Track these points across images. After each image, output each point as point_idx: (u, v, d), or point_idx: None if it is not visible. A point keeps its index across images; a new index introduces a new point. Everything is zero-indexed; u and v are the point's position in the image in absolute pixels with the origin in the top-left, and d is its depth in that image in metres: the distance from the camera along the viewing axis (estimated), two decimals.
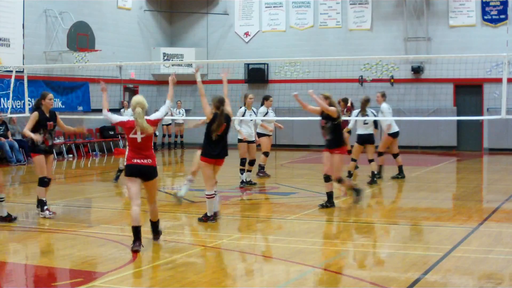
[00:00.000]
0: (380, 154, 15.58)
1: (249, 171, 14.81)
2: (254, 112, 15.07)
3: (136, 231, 8.36)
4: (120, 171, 15.02)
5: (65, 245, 8.84)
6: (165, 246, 8.96)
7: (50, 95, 10.93)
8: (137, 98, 8.79)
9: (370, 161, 15.03)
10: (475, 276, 7.29)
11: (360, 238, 9.31)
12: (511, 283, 7.07)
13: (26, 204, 12.72)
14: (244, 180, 14.49)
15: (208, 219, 10.30)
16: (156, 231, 8.99)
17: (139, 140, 8.53)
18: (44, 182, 10.76)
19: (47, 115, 10.78)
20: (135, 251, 8.22)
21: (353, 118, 15.16)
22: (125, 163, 8.65)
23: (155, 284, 6.94)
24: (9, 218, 10.37)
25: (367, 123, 14.92)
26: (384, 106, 15.63)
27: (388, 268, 7.51)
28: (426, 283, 6.93)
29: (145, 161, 8.52)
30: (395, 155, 15.77)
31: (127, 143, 8.77)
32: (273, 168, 19.05)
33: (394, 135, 15.59)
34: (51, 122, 10.79)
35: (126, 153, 8.65)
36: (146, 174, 8.57)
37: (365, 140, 15.00)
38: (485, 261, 7.86)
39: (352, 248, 8.64)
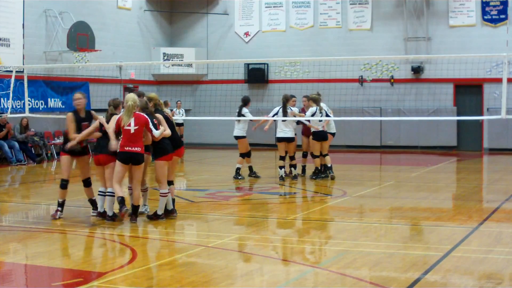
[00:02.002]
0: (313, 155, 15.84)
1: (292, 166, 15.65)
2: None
3: (122, 200, 9.90)
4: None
5: (65, 245, 8.84)
6: (165, 246, 8.97)
7: (76, 95, 10.81)
8: (131, 94, 10.24)
9: (325, 155, 15.52)
10: (475, 276, 7.29)
11: (360, 238, 9.31)
12: (511, 283, 7.07)
13: (26, 204, 12.73)
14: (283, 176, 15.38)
15: (159, 217, 10.41)
16: (136, 214, 10.22)
17: (132, 131, 9.92)
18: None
19: (82, 115, 10.69)
20: (125, 212, 9.88)
21: (311, 118, 15.29)
22: (118, 150, 9.97)
23: (155, 284, 6.94)
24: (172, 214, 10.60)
25: (321, 121, 15.35)
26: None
27: (388, 268, 7.51)
28: (426, 283, 6.93)
29: (135, 148, 9.96)
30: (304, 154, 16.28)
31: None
32: (273, 168, 19.04)
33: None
34: (86, 123, 10.69)
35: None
36: (135, 159, 10.02)
37: (322, 137, 15.46)
38: (485, 261, 7.86)
39: (352, 248, 8.63)
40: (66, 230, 9.74)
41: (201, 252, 8.51)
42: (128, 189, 10.80)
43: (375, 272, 7.41)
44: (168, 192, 10.45)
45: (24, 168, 19.09)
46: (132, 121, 9.93)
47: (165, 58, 27.01)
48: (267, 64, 26.55)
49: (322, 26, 26.25)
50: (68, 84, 23.07)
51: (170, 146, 10.51)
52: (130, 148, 9.91)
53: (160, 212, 10.45)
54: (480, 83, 24.03)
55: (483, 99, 24.17)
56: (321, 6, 26.27)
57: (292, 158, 15.67)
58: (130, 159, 9.99)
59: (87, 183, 10.82)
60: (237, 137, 15.78)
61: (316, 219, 10.84)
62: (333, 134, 16.14)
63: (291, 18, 26.73)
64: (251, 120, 15.82)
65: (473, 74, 21.48)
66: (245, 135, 15.75)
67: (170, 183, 10.66)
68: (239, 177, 15.59)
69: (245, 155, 15.77)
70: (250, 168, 15.96)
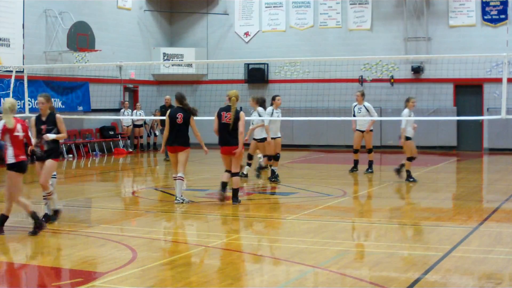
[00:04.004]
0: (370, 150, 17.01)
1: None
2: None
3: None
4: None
5: (65, 245, 8.84)
6: (165, 246, 8.97)
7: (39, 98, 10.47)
8: (9, 99, 9.71)
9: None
10: (475, 276, 7.29)
11: (360, 238, 9.31)
12: (511, 283, 7.07)
13: None
14: None
15: (52, 218, 10.12)
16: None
17: (20, 137, 9.34)
18: None
19: (42, 118, 10.32)
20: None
21: (407, 118, 15.25)
22: (13, 161, 9.19)
23: (155, 284, 6.94)
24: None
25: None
26: (367, 105, 16.89)
27: (388, 268, 7.51)
28: (426, 283, 6.93)
29: (25, 156, 9.41)
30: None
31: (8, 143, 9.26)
32: None
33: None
34: (44, 126, 10.22)
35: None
36: (27, 168, 9.53)
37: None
38: (485, 261, 7.86)
39: (352, 248, 8.64)
40: (66, 230, 9.73)
41: (201, 252, 8.52)
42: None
43: (375, 272, 7.41)
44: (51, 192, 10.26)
45: None
46: (19, 126, 9.38)
47: (165, 58, 27.01)
48: (267, 64, 26.54)
49: (322, 26, 26.25)
50: (68, 84, 23.06)
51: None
52: (23, 157, 9.35)
53: (50, 212, 10.21)
54: (480, 83, 24.02)
55: (483, 99, 24.16)
56: (321, 6, 26.26)
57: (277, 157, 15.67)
58: (26, 168, 9.50)
59: None
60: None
61: (316, 219, 10.83)
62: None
63: (291, 18, 26.72)
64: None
65: (473, 74, 21.47)
66: (272, 136, 15.40)
67: (236, 174, 11.98)
68: (273, 179, 15.25)
69: (270, 156, 15.49)
70: (259, 168, 15.88)
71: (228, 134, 11.95)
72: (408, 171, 15.26)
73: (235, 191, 11.98)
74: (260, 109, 15.23)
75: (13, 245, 9.00)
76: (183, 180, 12.19)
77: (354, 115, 16.89)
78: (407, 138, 15.21)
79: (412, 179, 15.16)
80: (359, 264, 7.71)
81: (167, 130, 12.16)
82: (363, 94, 16.99)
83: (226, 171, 12.13)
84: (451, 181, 16.92)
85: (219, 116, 12.01)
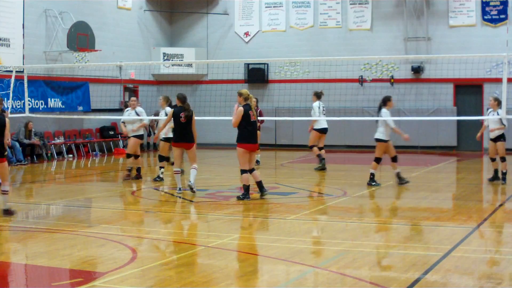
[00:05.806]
0: (311, 147, 17.73)
1: None
2: None
3: None
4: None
5: (65, 245, 8.84)
6: (165, 246, 8.97)
7: None
8: None
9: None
10: (475, 276, 7.29)
11: (360, 238, 9.31)
12: (511, 283, 7.07)
13: (26, 204, 12.73)
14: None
15: None
16: None
17: None
18: None
19: None
20: None
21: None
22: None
23: (155, 284, 6.94)
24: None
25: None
26: (316, 104, 17.55)
27: (388, 268, 7.51)
28: (426, 283, 6.93)
29: None
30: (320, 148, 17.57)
31: None
32: (273, 168, 19.06)
33: (321, 130, 17.61)
34: None
35: None
36: None
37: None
38: (485, 261, 7.86)
39: (352, 248, 8.63)
40: (66, 230, 9.74)
41: (201, 252, 8.52)
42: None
43: (375, 272, 7.41)
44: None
45: (24, 168, 19.10)
46: None
47: (165, 58, 27.01)
48: (267, 64, 26.54)
49: (322, 26, 26.24)
50: (68, 84, 23.07)
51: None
52: None
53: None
54: (480, 83, 24.02)
55: (483, 99, 24.14)
56: (321, 6, 26.25)
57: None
58: None
59: None
60: (376, 140, 14.77)
61: (316, 219, 10.83)
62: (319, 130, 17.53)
63: (291, 18, 26.72)
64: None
65: (473, 74, 21.47)
66: (385, 139, 14.47)
67: (252, 170, 12.36)
68: (373, 183, 14.47)
69: (378, 160, 14.71)
70: (397, 174, 14.69)
71: (255, 132, 12.40)
72: (495, 171, 14.97)
73: (261, 183, 12.64)
74: (168, 108, 15.28)
75: (13, 245, 9.00)
76: (196, 170, 13.15)
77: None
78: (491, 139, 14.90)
79: (502, 181, 14.77)
80: (359, 264, 7.70)
81: (165, 125, 13.85)
82: (315, 94, 17.64)
83: (245, 171, 12.30)
84: (451, 181, 16.92)
85: (248, 115, 12.23)
